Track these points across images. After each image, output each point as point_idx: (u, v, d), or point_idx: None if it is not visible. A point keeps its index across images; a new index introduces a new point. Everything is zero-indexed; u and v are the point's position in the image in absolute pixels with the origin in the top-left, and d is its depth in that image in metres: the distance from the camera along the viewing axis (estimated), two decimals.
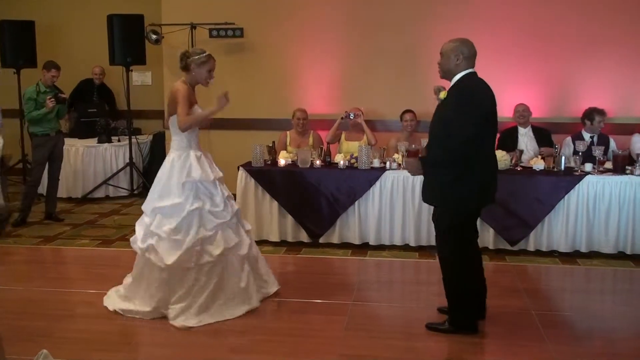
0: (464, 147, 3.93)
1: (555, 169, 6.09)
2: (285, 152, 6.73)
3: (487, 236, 6.00)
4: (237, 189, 6.31)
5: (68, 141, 8.04)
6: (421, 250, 6.12)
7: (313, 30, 7.82)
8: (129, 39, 8.08)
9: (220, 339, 4.17)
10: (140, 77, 9.44)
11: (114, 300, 4.64)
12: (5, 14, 9.06)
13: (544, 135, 6.98)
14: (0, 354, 3.16)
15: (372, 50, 7.71)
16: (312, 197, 6.21)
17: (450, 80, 4.13)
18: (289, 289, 5.10)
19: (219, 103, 4.52)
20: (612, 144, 6.76)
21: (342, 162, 6.29)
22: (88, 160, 8.46)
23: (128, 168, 8.53)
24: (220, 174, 4.62)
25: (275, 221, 6.30)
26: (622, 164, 5.98)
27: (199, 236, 4.38)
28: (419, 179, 5.96)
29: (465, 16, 7.36)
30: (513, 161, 6.22)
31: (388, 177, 6.12)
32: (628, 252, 5.90)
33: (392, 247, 6.21)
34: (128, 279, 4.76)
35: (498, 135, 6.11)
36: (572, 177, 5.92)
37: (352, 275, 5.59)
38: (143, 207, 4.59)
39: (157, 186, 4.52)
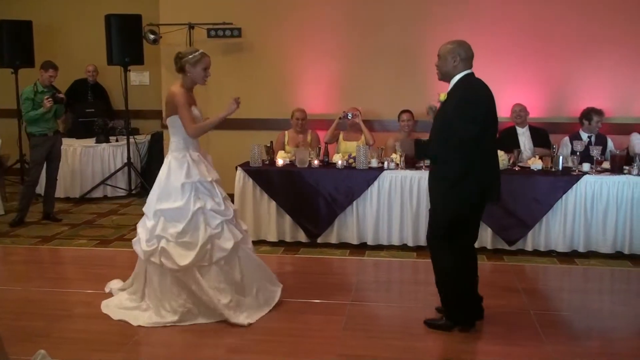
0: (463, 146, 3.94)
1: (553, 169, 6.10)
2: (283, 152, 6.73)
3: (485, 236, 6.01)
4: (235, 189, 6.31)
5: (66, 141, 8.04)
6: (419, 250, 6.12)
7: (311, 30, 7.82)
8: (127, 38, 8.07)
9: (219, 339, 4.17)
10: (138, 77, 9.44)
11: (125, 314, 4.52)
12: (3, 14, 9.06)
13: (541, 135, 7.00)
14: (2, 354, 3.16)
15: (370, 51, 7.71)
16: (310, 197, 6.21)
17: (448, 82, 4.15)
18: (287, 289, 5.09)
19: (229, 108, 4.56)
20: (610, 144, 6.77)
21: (340, 162, 6.29)
22: (86, 160, 8.45)
23: (126, 168, 8.52)
24: (217, 177, 4.60)
25: (273, 221, 6.30)
26: (619, 164, 5.99)
27: (208, 234, 4.41)
28: (418, 178, 6.00)
29: (463, 16, 7.36)
30: (511, 161, 6.23)
31: (386, 177, 6.12)
32: (626, 251, 5.91)
33: (390, 247, 6.21)
34: (131, 287, 4.78)
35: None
36: (569, 177, 5.93)
37: (351, 275, 5.59)
38: (144, 209, 4.57)
39: (157, 188, 4.51)
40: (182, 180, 4.41)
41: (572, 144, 6.40)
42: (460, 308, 4.25)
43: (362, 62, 7.74)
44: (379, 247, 6.22)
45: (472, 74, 4.11)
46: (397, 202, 6.12)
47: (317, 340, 4.17)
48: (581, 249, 5.95)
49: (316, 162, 6.37)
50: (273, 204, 6.30)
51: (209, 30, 7.81)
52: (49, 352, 3.42)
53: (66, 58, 9.14)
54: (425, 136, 4.47)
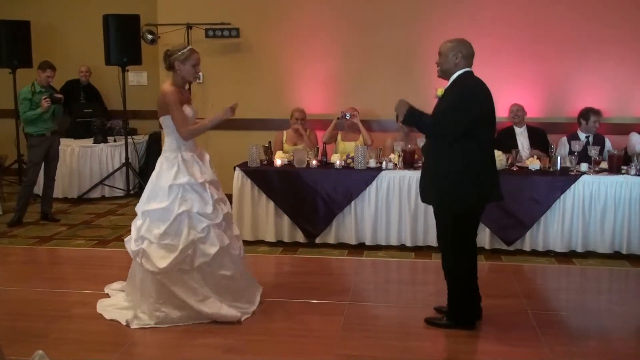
0: (448, 136, 4.03)
1: (551, 169, 6.10)
2: (281, 152, 6.73)
3: (483, 236, 6.01)
4: (233, 189, 6.31)
5: (64, 141, 8.04)
6: (417, 250, 6.13)
7: (309, 30, 7.82)
8: (125, 39, 8.07)
9: (216, 340, 4.16)
10: (136, 77, 9.43)
11: (119, 314, 4.50)
12: (1, 14, 9.06)
13: (539, 135, 7.01)
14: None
15: (368, 50, 7.71)
16: (308, 197, 6.21)
17: (448, 79, 4.17)
18: (285, 289, 5.11)
19: (224, 113, 4.52)
20: (608, 144, 6.78)
21: (338, 162, 6.29)
22: (84, 161, 8.44)
23: (124, 168, 8.52)
24: (212, 177, 4.53)
25: (271, 221, 6.30)
26: (617, 164, 6.00)
27: (191, 238, 4.30)
28: (416, 179, 5.98)
29: (461, 16, 7.36)
30: (509, 161, 6.23)
31: (384, 177, 6.12)
32: (624, 251, 5.91)
33: (389, 247, 6.21)
34: (123, 287, 4.78)
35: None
36: (567, 177, 5.93)
37: (349, 276, 5.59)
38: (136, 209, 4.55)
39: (148, 188, 4.48)
40: (170, 181, 4.34)
41: (570, 144, 6.41)
42: (461, 308, 4.26)
43: (360, 62, 7.74)
44: (377, 248, 6.21)
45: (471, 72, 4.14)
46: (395, 202, 6.12)
47: (315, 340, 4.16)
48: (579, 249, 5.96)
49: (314, 162, 6.37)
50: (271, 204, 6.30)
51: (207, 30, 7.80)
52: (47, 353, 3.41)
53: (64, 58, 9.14)
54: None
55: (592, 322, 4.52)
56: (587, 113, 6.79)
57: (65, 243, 6.50)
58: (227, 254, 4.47)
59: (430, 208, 4.41)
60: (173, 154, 4.44)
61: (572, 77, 7.39)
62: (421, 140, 6.06)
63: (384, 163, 6.23)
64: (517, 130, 6.99)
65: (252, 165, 6.36)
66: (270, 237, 6.33)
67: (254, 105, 7.86)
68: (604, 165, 6.15)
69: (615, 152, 6.08)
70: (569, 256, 5.97)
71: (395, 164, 6.22)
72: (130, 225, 4.60)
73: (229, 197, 6.00)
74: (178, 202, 4.33)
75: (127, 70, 8.38)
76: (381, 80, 7.69)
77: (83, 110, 8.93)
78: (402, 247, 6.19)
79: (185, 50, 4.43)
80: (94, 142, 8.56)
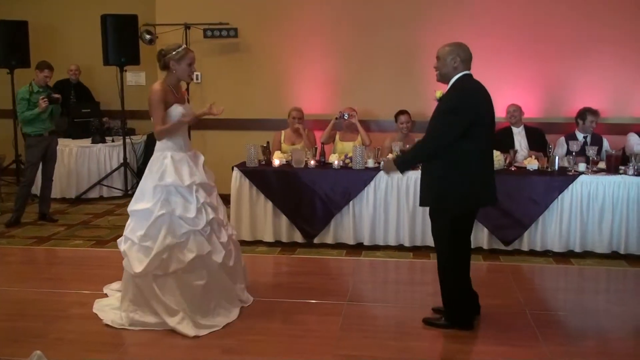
0: (443, 141, 4.03)
1: (549, 169, 6.11)
2: (279, 152, 6.73)
3: (481, 236, 6.01)
4: (232, 189, 6.31)
5: (62, 141, 8.04)
6: (415, 250, 6.13)
7: (308, 30, 7.82)
8: (123, 39, 8.06)
9: (214, 340, 4.16)
10: (134, 77, 9.42)
11: (115, 314, 4.48)
12: None
13: (537, 135, 7.01)
14: None
15: (367, 51, 7.71)
16: (306, 197, 6.21)
17: (447, 83, 4.18)
18: (284, 289, 5.11)
19: (201, 113, 4.48)
20: (606, 144, 6.79)
21: (336, 163, 6.29)
22: (82, 161, 8.44)
23: (122, 168, 8.52)
24: (202, 180, 4.41)
25: (269, 221, 6.30)
26: (615, 164, 6.01)
27: (167, 243, 4.20)
28: (414, 179, 5.99)
29: (460, 17, 7.37)
30: (507, 161, 6.24)
31: (382, 177, 6.12)
32: (622, 251, 5.92)
33: (387, 248, 6.22)
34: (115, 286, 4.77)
35: None
36: (565, 177, 5.94)
37: (347, 276, 5.58)
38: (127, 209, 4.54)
39: (137, 188, 4.45)
40: (155, 182, 4.28)
41: (567, 144, 6.42)
42: (458, 309, 4.27)
43: (358, 62, 7.75)
44: (375, 248, 6.22)
45: (470, 75, 4.15)
46: (393, 202, 6.13)
47: (314, 340, 4.16)
48: (577, 249, 5.96)
49: (312, 162, 6.37)
50: (269, 204, 6.30)
51: (205, 30, 7.79)
52: (45, 353, 3.40)
53: (62, 58, 9.13)
54: (421, 137, 4.47)
55: (590, 322, 4.53)
56: (584, 113, 6.80)
57: (63, 243, 6.50)
58: (204, 263, 4.33)
59: (428, 208, 4.41)
60: (163, 153, 4.38)
61: (570, 77, 7.40)
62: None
63: (382, 163, 6.23)
64: (515, 130, 7.01)
65: (250, 165, 6.36)
66: (268, 237, 6.33)
67: (252, 105, 7.87)
68: (602, 165, 6.16)
69: (613, 152, 6.09)
70: (567, 256, 5.98)
71: None
72: None
73: (227, 197, 6.03)
74: (160, 204, 4.25)
75: (125, 71, 8.37)
76: (380, 80, 7.69)
77: (81, 111, 8.92)
78: (400, 247, 6.19)
79: (180, 49, 4.38)
80: (92, 142, 8.56)
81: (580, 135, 6.76)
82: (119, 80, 8.26)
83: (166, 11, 8.03)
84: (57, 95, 7.10)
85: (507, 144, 6.69)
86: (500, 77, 7.14)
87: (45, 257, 6.20)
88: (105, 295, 4.84)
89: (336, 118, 7.09)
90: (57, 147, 7.37)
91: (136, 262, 4.23)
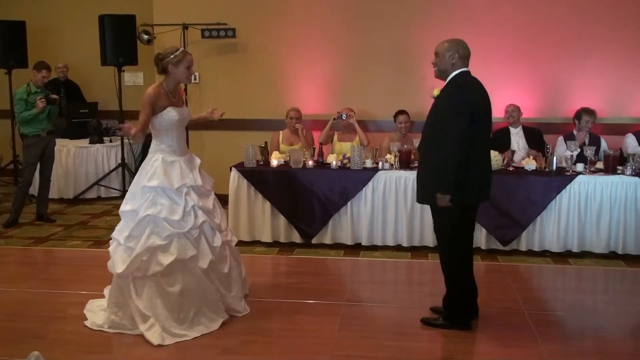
0: (460, 144, 3.94)
1: (547, 169, 6.11)
2: (277, 152, 6.72)
3: (479, 236, 6.01)
4: (230, 189, 6.31)
5: (59, 142, 8.03)
6: (414, 250, 6.13)
7: (306, 30, 7.82)
8: (121, 39, 8.05)
9: (212, 340, 4.15)
10: (132, 77, 9.41)
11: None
12: None
13: (535, 135, 7.02)
14: None
15: (365, 51, 7.71)
16: (304, 197, 6.21)
17: (444, 80, 4.17)
18: (282, 289, 5.12)
19: (199, 117, 4.70)
20: (604, 144, 6.79)
21: (334, 163, 6.29)
22: (80, 161, 8.43)
23: (120, 169, 8.51)
24: (194, 183, 4.32)
25: (267, 222, 6.30)
26: (613, 164, 6.01)
27: (149, 244, 4.13)
28: (412, 179, 6.00)
29: (458, 17, 7.37)
30: (505, 161, 6.24)
31: (380, 177, 6.12)
32: (619, 251, 5.92)
33: (385, 248, 6.22)
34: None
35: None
36: (563, 177, 5.94)
37: (345, 276, 5.59)
38: None
39: (128, 190, 4.44)
40: (144, 183, 4.26)
41: (566, 143, 6.42)
42: (457, 308, 4.28)
43: (356, 62, 7.75)
44: (373, 248, 6.22)
45: (468, 71, 4.14)
46: (391, 202, 6.13)
47: (312, 341, 4.16)
48: (575, 249, 5.97)
49: (311, 162, 6.36)
50: (267, 204, 6.29)
51: (203, 30, 7.79)
52: (42, 354, 3.40)
53: (60, 59, 9.13)
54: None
55: (588, 322, 4.53)
56: (580, 113, 6.80)
57: (61, 244, 6.49)
58: (186, 268, 4.23)
59: (427, 208, 4.41)
60: (155, 155, 4.36)
61: (568, 77, 7.40)
62: (417, 141, 6.08)
63: (380, 163, 6.23)
64: (513, 130, 7.01)
65: (248, 166, 6.36)
66: (266, 238, 6.33)
67: (251, 106, 7.87)
68: (600, 165, 6.16)
69: (611, 153, 6.09)
70: (564, 256, 5.98)
71: (392, 164, 6.22)
72: None
73: (225, 197, 6.02)
74: (146, 205, 4.20)
75: (123, 71, 8.36)
76: (377, 80, 7.69)
77: (79, 111, 8.92)
78: (398, 247, 6.19)
79: (177, 52, 4.34)
80: (90, 143, 8.56)
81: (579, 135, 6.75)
82: (117, 81, 8.25)
83: (164, 11, 8.02)
84: (54, 96, 7.09)
85: (504, 144, 6.70)
86: (498, 77, 7.15)
87: (43, 258, 6.19)
88: (103, 297, 4.83)
89: (334, 118, 7.09)
90: (55, 148, 7.36)
91: (120, 263, 4.20)
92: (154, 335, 4.10)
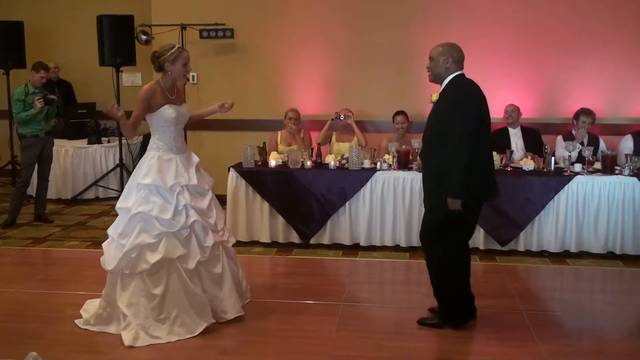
0: (463, 140, 3.94)
1: (545, 170, 6.12)
2: (276, 152, 6.72)
3: (477, 236, 6.00)
4: (228, 190, 6.31)
5: (57, 142, 8.01)
6: (412, 250, 6.13)
7: (304, 30, 7.81)
8: (119, 39, 8.03)
9: (210, 341, 4.15)
10: (130, 77, 9.42)
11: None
12: None
13: (533, 135, 7.02)
14: None
15: (363, 51, 7.71)
16: (303, 198, 6.21)
17: (439, 83, 4.19)
18: (280, 290, 5.12)
19: (207, 111, 4.67)
20: (602, 145, 6.79)
21: (332, 163, 6.29)
22: (78, 162, 8.43)
23: (118, 169, 8.50)
24: (189, 182, 4.29)
25: (266, 222, 6.30)
26: (611, 165, 6.02)
27: (138, 241, 4.13)
28: (410, 179, 6.00)
29: (457, 17, 7.37)
30: (503, 162, 6.25)
31: (379, 177, 6.12)
32: (617, 252, 5.92)
33: (383, 248, 6.22)
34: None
35: None
36: (561, 178, 5.95)
37: (343, 276, 5.59)
38: None
39: (125, 187, 4.45)
40: (138, 180, 4.26)
41: (565, 143, 6.41)
42: (451, 307, 4.28)
43: (355, 62, 7.74)
44: (371, 248, 6.22)
45: (463, 74, 4.16)
46: (389, 202, 6.13)
47: (310, 341, 4.16)
48: (573, 249, 5.97)
49: (309, 163, 6.36)
50: (266, 205, 6.29)
51: (201, 31, 7.78)
52: (40, 354, 3.40)
53: (58, 59, 9.12)
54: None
55: (586, 322, 4.54)
56: (578, 114, 6.80)
57: (59, 244, 6.48)
58: (172, 267, 4.20)
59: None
60: (151, 153, 4.36)
61: (567, 77, 7.40)
62: (416, 142, 6.09)
63: (378, 164, 6.23)
64: (512, 131, 7.01)
65: (246, 166, 6.35)
66: (264, 238, 6.32)
67: (249, 106, 7.85)
68: (598, 165, 6.17)
69: (609, 153, 6.10)
70: (562, 256, 5.98)
71: (390, 165, 6.23)
72: None
73: (223, 198, 6.01)
74: (138, 202, 4.20)
75: (121, 71, 8.36)
76: (376, 81, 7.69)
77: (77, 111, 8.92)
78: (396, 248, 6.19)
79: (174, 49, 4.33)
80: (88, 143, 8.55)
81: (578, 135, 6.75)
82: (115, 81, 8.25)
83: (162, 12, 8.01)
84: (52, 96, 7.08)
85: (503, 145, 6.69)
86: (498, 77, 7.15)
87: (41, 258, 6.19)
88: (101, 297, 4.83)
89: (332, 119, 7.09)
90: (53, 148, 7.35)
91: (111, 259, 4.21)
92: (127, 335, 4.09)
